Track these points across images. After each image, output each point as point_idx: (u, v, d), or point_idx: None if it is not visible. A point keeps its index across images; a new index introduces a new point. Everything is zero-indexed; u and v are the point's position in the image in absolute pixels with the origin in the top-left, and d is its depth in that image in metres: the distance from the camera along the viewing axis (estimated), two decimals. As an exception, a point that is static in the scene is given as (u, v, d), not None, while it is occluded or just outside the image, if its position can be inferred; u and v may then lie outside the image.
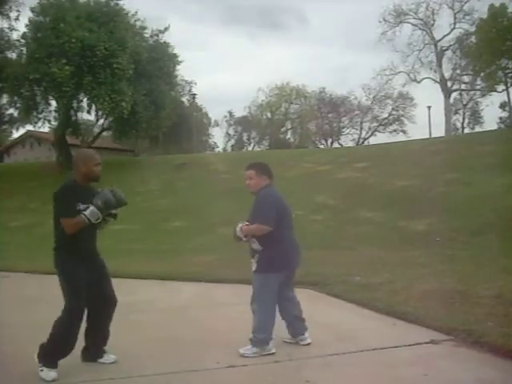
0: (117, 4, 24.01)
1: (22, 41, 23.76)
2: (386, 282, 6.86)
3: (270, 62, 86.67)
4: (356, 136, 51.75)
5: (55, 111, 24.75)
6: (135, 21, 25.15)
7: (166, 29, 26.24)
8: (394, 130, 50.15)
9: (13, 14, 25.91)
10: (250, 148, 55.17)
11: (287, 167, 17.88)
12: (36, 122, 25.49)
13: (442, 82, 37.89)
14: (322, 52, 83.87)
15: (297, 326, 4.67)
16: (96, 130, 31.24)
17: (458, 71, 39.72)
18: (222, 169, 20.76)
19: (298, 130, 53.74)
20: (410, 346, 4.50)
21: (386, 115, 50.13)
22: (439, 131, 56.89)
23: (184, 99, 38.12)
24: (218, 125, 56.30)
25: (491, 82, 31.82)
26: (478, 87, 39.89)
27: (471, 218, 10.68)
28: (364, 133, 51.53)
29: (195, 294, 7.47)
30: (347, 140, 51.35)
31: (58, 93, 21.98)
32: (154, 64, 24.58)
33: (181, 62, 26.31)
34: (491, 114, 75.56)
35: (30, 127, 32.44)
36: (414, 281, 6.77)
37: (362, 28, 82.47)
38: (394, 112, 49.64)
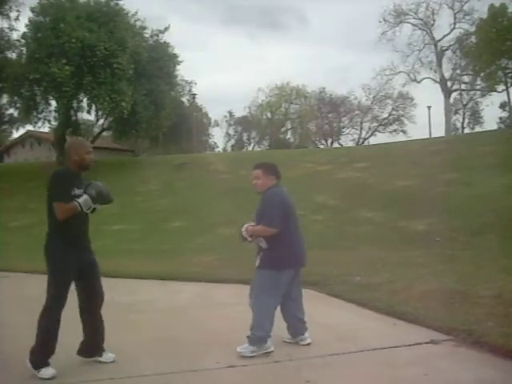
0: (117, 4, 24.07)
1: (22, 41, 23.79)
2: (385, 282, 6.85)
3: (270, 62, 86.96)
4: (356, 136, 51.88)
5: (55, 111, 24.78)
6: (135, 21, 25.22)
7: (166, 29, 26.36)
8: (394, 130, 50.25)
9: (13, 14, 26.07)
10: (250, 148, 55.19)
11: (287, 167, 17.80)
12: (36, 122, 25.59)
13: (442, 82, 37.89)
14: (322, 52, 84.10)
15: (297, 326, 4.67)
16: (96, 129, 31.27)
17: (458, 71, 39.76)
18: (221, 169, 20.76)
19: (298, 129, 53.73)
20: (409, 346, 4.50)
21: (385, 115, 50.24)
22: (439, 131, 57.15)
23: (184, 99, 38.14)
24: (217, 125, 56.47)
25: (491, 82, 31.88)
26: (478, 87, 39.97)
27: (471, 218, 10.68)
28: (364, 133, 51.64)
29: (195, 294, 7.46)
30: (347, 140, 51.52)
31: (57, 93, 22.01)
32: (154, 64, 24.61)
33: (181, 62, 26.45)
34: (491, 113, 75.71)
35: (30, 127, 32.62)
36: (413, 281, 6.76)
37: (362, 28, 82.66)
38: (394, 112, 49.69)
